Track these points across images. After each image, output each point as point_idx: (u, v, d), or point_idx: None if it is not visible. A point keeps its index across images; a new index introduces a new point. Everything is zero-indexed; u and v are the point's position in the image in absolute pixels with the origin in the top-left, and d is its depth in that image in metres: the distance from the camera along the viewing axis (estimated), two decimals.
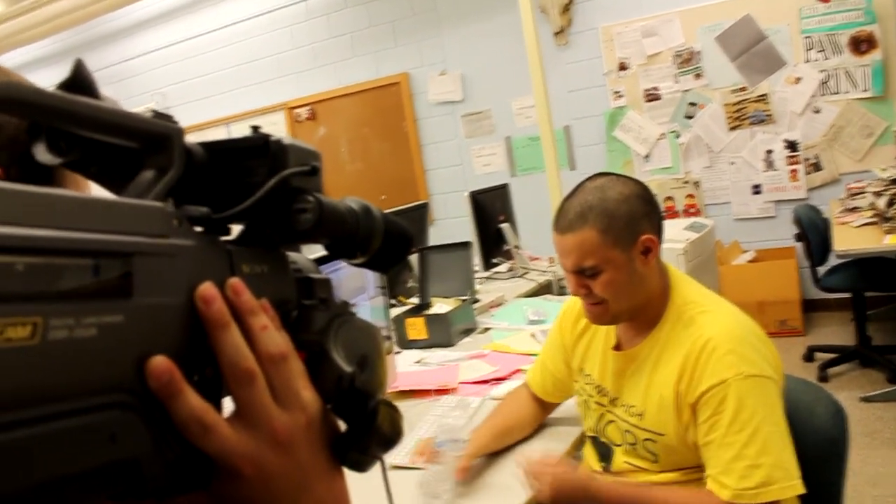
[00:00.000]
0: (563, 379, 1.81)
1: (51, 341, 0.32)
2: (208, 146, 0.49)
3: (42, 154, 0.44)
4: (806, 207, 4.49)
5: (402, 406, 2.10)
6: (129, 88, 7.57)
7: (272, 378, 0.45)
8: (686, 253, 3.06)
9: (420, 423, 1.92)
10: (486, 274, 3.83)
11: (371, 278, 2.09)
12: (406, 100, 6.46)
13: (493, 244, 3.85)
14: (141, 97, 7.48)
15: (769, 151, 5.25)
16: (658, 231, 1.54)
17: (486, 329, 2.84)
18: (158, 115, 0.45)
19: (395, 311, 3.01)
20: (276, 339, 0.46)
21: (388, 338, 2.18)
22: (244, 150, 0.49)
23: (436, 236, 5.84)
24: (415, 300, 3.19)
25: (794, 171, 5.20)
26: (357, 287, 2.03)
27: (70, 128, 0.41)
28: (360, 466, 0.51)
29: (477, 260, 3.70)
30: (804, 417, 1.56)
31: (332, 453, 0.50)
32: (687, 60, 5.39)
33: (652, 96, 5.55)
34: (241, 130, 7.15)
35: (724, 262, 5.07)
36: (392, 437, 0.51)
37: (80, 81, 0.43)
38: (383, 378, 0.54)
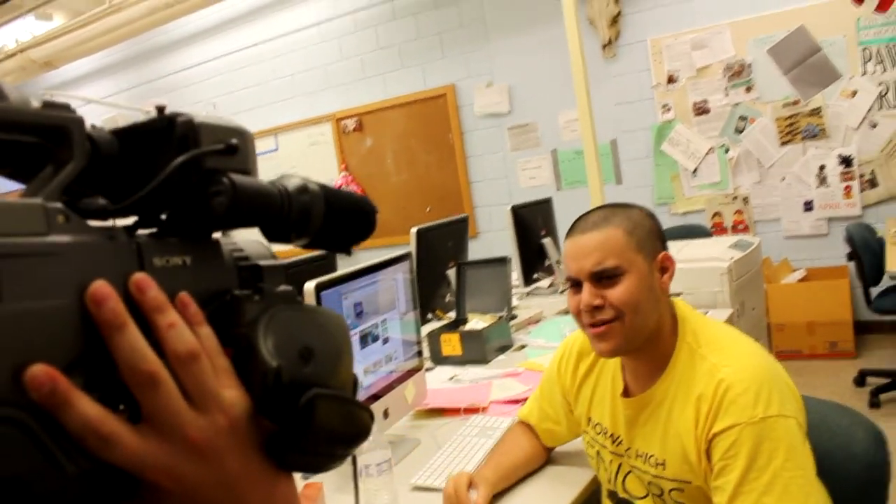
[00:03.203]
0: (564, 424, 1.73)
1: None
2: (118, 133, 0.46)
3: None
4: (859, 226, 4.35)
5: (431, 424, 2.09)
6: (181, 98, 7.73)
7: (183, 379, 0.42)
8: (730, 272, 2.97)
9: (448, 442, 1.90)
10: (527, 289, 3.79)
11: (402, 293, 2.08)
12: (452, 111, 6.46)
13: (535, 259, 3.81)
14: (193, 107, 7.62)
15: (822, 167, 5.11)
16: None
17: (523, 346, 2.81)
18: (52, 105, 0.42)
19: (431, 326, 3.00)
20: (184, 337, 0.42)
21: (420, 353, 2.16)
22: (152, 134, 0.46)
23: (479, 248, 5.84)
24: (452, 315, 3.18)
25: (848, 187, 5.05)
26: (388, 302, 2.01)
27: None
28: (312, 468, 0.47)
29: (517, 275, 3.66)
30: (842, 444, 1.50)
31: (267, 457, 0.45)
32: (737, 73, 5.28)
33: (701, 110, 5.45)
34: (289, 141, 7.29)
35: (773, 280, 4.94)
36: (348, 432, 0.47)
37: None
38: (343, 371, 0.48)
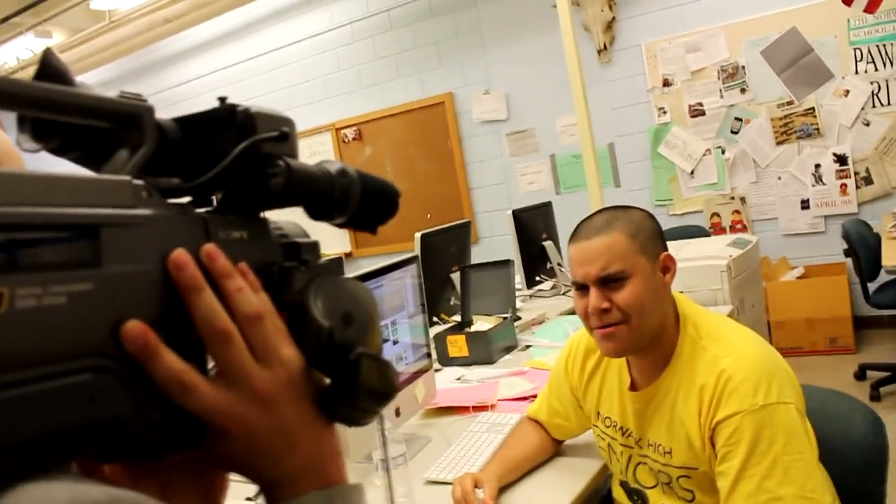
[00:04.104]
0: (573, 419, 1.78)
1: (19, 310, 0.34)
2: (180, 121, 0.51)
3: (26, 142, 0.46)
4: (855, 222, 4.41)
5: (441, 422, 2.14)
6: (179, 112, 7.76)
7: (250, 337, 0.47)
8: (729, 269, 3.03)
9: (458, 438, 1.95)
10: (529, 292, 3.84)
11: (411, 296, 2.13)
12: (451, 119, 6.53)
13: (537, 262, 3.86)
14: None
15: (817, 166, 5.17)
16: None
17: (527, 346, 2.86)
18: (127, 94, 0.47)
19: (436, 329, 3.05)
20: (251, 299, 0.47)
21: (429, 354, 2.21)
22: (213, 122, 0.51)
23: (481, 254, 5.88)
24: (457, 318, 3.22)
25: (843, 185, 5.11)
26: (396, 305, 2.06)
27: (42, 113, 0.43)
28: (352, 421, 0.52)
29: (520, 278, 3.71)
30: (841, 429, 1.55)
31: (318, 408, 0.50)
32: (732, 75, 5.35)
33: (696, 112, 5.52)
34: None
35: (771, 278, 5.00)
36: (382, 390, 0.51)
37: (50, 70, 0.44)
38: (374, 337, 0.53)
